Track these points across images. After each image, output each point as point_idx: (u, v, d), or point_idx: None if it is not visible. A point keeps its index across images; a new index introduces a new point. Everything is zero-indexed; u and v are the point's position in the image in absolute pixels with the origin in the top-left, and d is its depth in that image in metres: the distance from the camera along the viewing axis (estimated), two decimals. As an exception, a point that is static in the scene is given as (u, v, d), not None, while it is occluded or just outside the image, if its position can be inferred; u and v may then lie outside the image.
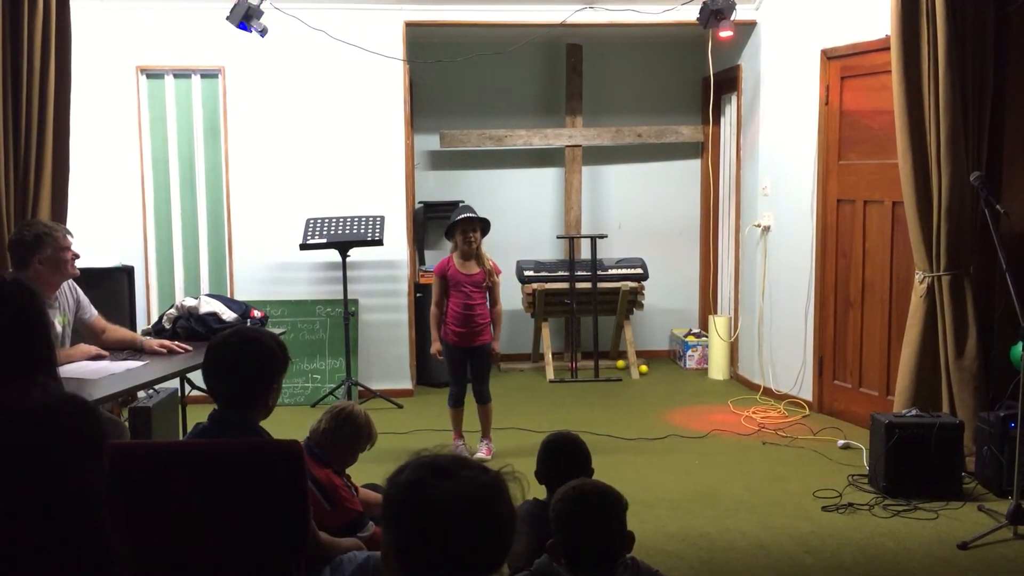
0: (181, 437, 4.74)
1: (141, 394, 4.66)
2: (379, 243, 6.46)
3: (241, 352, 2.66)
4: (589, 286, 7.43)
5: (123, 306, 5.65)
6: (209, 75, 6.69)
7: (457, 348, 5.32)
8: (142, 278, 6.59)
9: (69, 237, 4.11)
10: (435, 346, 5.36)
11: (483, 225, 5.34)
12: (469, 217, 5.28)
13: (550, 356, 7.48)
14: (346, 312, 6.47)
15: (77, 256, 4.14)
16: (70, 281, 4.18)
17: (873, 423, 4.83)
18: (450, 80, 7.67)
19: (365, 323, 6.87)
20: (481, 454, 5.34)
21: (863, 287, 5.95)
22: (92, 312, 4.31)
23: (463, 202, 7.75)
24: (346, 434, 3.25)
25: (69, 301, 4.18)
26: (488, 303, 5.35)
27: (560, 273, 7.48)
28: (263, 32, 6.12)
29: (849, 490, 4.76)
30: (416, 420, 6.21)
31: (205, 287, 6.76)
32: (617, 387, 7.21)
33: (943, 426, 4.63)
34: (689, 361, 7.80)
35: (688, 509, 4.54)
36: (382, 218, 6.57)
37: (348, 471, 3.34)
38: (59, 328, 4.09)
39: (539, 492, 3.20)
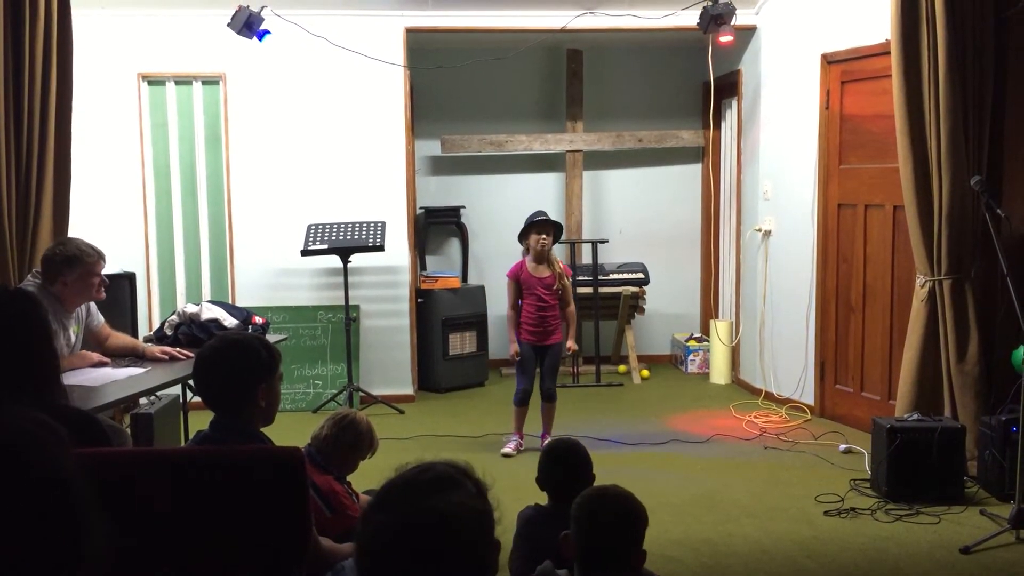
0: (183, 444, 4.74)
1: (143, 400, 4.66)
2: (380, 249, 6.46)
3: (225, 355, 2.67)
4: (590, 291, 7.43)
5: (125, 313, 5.64)
6: (210, 82, 6.70)
7: (532, 347, 5.54)
8: (143, 285, 6.59)
9: (102, 263, 4.09)
10: (513, 348, 5.58)
11: (556, 229, 5.55)
12: (543, 220, 5.48)
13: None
14: (347, 318, 6.47)
15: (106, 284, 4.13)
16: None
17: (875, 427, 4.83)
18: (451, 86, 7.68)
19: (367, 329, 6.87)
20: None
21: (864, 291, 5.95)
22: (99, 319, 4.32)
23: (464, 207, 7.80)
24: (348, 441, 3.26)
25: (81, 309, 4.19)
26: (560, 304, 5.54)
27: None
28: (262, 35, 6.15)
29: (851, 495, 4.75)
30: (417, 426, 6.21)
31: (207, 293, 6.77)
32: (618, 392, 7.20)
33: (945, 430, 4.63)
34: (690, 366, 7.80)
35: (690, 514, 4.54)
36: (383, 224, 6.57)
37: (349, 478, 3.34)
38: (72, 337, 4.10)
39: (540, 497, 3.20)
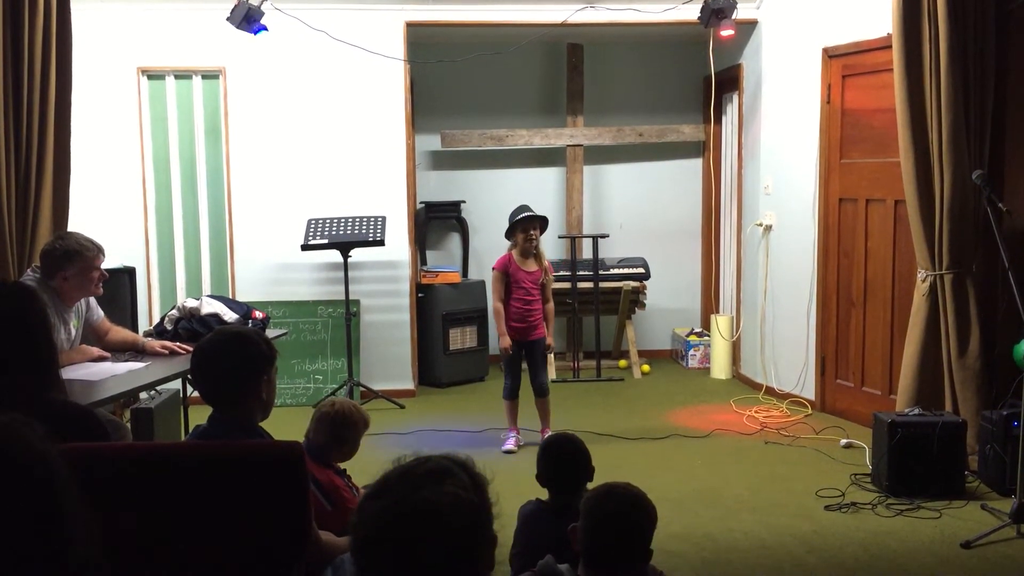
0: (183, 438, 4.73)
1: (143, 395, 4.66)
2: (381, 243, 6.45)
3: (228, 348, 2.66)
4: (591, 286, 7.42)
5: (125, 307, 5.64)
6: (210, 76, 6.69)
7: (516, 342, 5.51)
8: (143, 279, 6.59)
9: (101, 257, 4.09)
10: (504, 341, 5.51)
11: (542, 223, 5.50)
12: (530, 216, 5.43)
13: (552, 356, 7.46)
14: (348, 312, 6.47)
15: (105, 277, 4.13)
16: None
17: (876, 422, 4.82)
18: (451, 80, 7.67)
19: (367, 323, 6.87)
20: None
21: (865, 286, 5.94)
22: (99, 313, 4.32)
23: (464, 202, 7.80)
24: (343, 431, 3.23)
25: (81, 303, 4.19)
26: (541, 300, 5.54)
27: (562, 273, 7.46)
28: (258, 30, 6.13)
29: (852, 489, 4.75)
30: (418, 420, 6.21)
31: (207, 288, 6.76)
32: (619, 387, 7.20)
33: (946, 425, 4.62)
34: (691, 360, 7.79)
35: (690, 509, 4.54)
36: (383, 218, 6.57)
37: (350, 472, 3.33)
38: (72, 332, 4.10)
39: (542, 493, 3.19)
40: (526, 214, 5.45)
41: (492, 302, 5.56)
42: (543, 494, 3.17)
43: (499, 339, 5.52)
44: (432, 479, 1.43)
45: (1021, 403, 4.22)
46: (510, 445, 5.53)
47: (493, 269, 5.59)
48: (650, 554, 2.38)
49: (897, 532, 4.23)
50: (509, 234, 5.51)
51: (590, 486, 2.95)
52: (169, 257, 6.79)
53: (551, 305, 5.62)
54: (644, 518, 2.38)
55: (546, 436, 5.49)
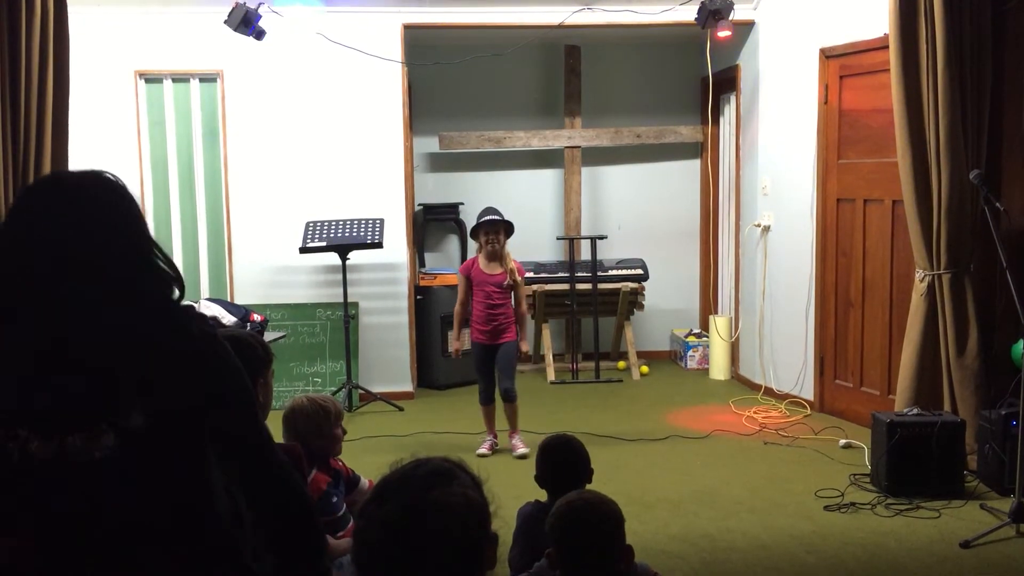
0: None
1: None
2: (379, 246, 6.45)
3: None
4: (589, 287, 7.43)
5: (123, 311, 5.64)
6: (208, 79, 6.69)
7: (482, 346, 5.46)
8: (142, 282, 6.58)
9: None
10: (453, 345, 5.51)
11: (507, 227, 5.47)
12: (491, 220, 5.40)
13: (551, 358, 7.47)
14: (346, 315, 6.47)
15: None
16: None
17: (874, 422, 4.82)
18: (449, 82, 7.67)
19: (365, 326, 6.87)
20: (521, 450, 5.40)
21: (863, 286, 5.94)
22: None
23: (462, 204, 7.80)
24: (310, 425, 3.18)
25: None
26: (512, 303, 5.47)
27: (560, 274, 7.47)
28: (260, 35, 6.15)
29: (851, 490, 4.75)
30: (417, 422, 6.21)
31: (205, 291, 6.76)
32: (618, 388, 7.20)
33: (945, 425, 4.63)
34: (690, 361, 7.79)
35: (689, 509, 4.54)
36: (381, 220, 6.57)
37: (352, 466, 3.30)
38: None
39: (540, 494, 3.20)
40: (487, 218, 5.40)
41: (455, 304, 5.54)
42: (542, 495, 3.17)
43: (452, 342, 5.50)
44: (439, 479, 1.45)
45: (1019, 402, 4.22)
46: (484, 449, 5.48)
47: (458, 272, 5.53)
48: (630, 551, 2.37)
49: (896, 532, 4.23)
50: (473, 234, 5.51)
51: (588, 487, 2.94)
52: (167, 260, 6.78)
53: (523, 308, 5.54)
54: (606, 527, 2.34)
55: (515, 441, 5.47)
